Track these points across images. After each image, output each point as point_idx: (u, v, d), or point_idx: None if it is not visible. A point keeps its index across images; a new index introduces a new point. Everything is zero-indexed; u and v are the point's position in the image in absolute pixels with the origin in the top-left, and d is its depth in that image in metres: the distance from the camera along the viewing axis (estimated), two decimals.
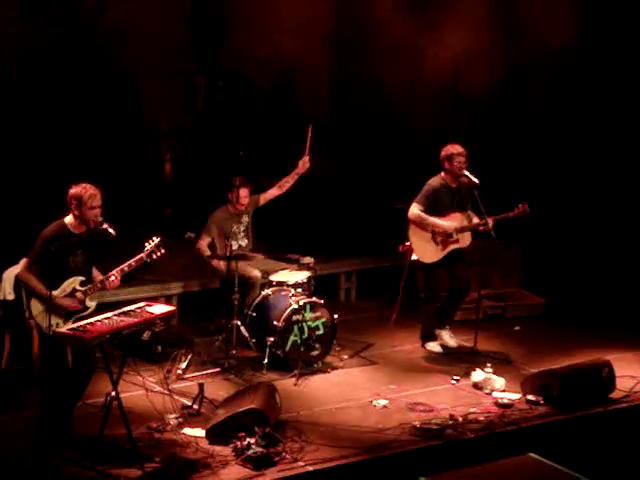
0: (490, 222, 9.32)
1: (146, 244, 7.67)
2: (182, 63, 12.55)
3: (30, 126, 10.28)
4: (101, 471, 7.02)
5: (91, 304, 7.49)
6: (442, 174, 9.51)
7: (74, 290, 7.41)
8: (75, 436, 7.39)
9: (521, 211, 9.49)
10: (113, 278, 7.48)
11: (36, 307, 7.33)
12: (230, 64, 12.57)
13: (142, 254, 7.62)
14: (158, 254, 7.67)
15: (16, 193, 9.78)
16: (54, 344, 7.20)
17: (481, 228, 9.38)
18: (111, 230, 7.40)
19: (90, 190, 7.37)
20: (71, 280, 7.40)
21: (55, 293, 7.25)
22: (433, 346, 9.72)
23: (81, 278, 7.44)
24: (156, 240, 7.69)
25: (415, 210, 9.47)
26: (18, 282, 7.51)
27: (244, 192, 9.83)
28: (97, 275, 7.59)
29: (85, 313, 7.42)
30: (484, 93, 11.56)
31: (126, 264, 7.55)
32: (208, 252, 9.81)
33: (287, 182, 10.02)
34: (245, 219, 10.00)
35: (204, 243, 9.86)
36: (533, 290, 11.33)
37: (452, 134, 9.75)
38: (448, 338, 9.74)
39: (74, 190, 7.38)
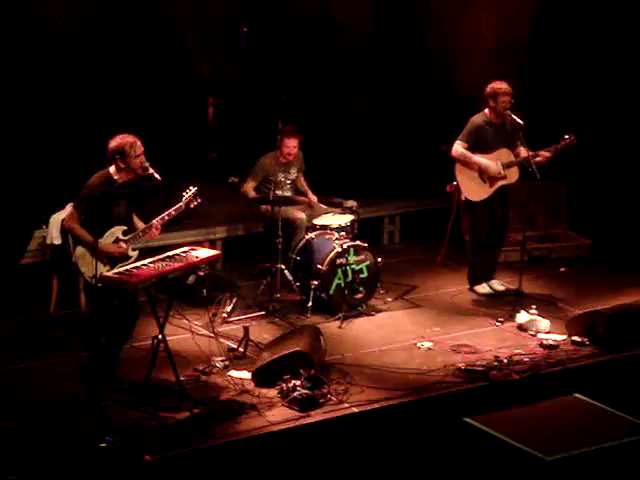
0: (546, 153, 9.18)
1: (184, 193, 7.72)
2: (224, 6, 12.46)
3: (74, 72, 10.29)
4: (149, 412, 7.13)
5: (133, 253, 7.55)
6: (486, 111, 9.40)
7: (117, 239, 7.48)
8: (122, 378, 7.50)
9: (568, 141, 9.35)
10: (154, 228, 7.54)
11: (81, 255, 7.40)
12: (270, 4, 12.47)
13: (181, 203, 7.66)
14: (195, 203, 7.73)
15: (61, 139, 9.83)
16: (99, 290, 7.28)
17: (527, 165, 9.21)
18: (157, 175, 7.45)
19: (129, 139, 7.40)
20: (114, 229, 7.46)
21: (99, 241, 7.31)
22: (480, 288, 9.68)
23: (123, 227, 7.50)
24: (193, 189, 7.73)
25: (459, 148, 9.38)
26: (64, 228, 7.58)
27: (291, 142, 9.70)
28: (138, 224, 7.65)
29: (128, 262, 7.47)
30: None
31: (166, 213, 7.61)
32: (253, 194, 9.80)
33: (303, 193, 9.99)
34: (293, 171, 9.93)
35: (249, 186, 9.83)
36: (579, 231, 11.23)
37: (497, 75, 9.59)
38: (496, 285, 9.70)
39: (114, 144, 7.42)
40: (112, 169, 7.46)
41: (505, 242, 9.88)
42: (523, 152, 9.34)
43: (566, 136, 9.33)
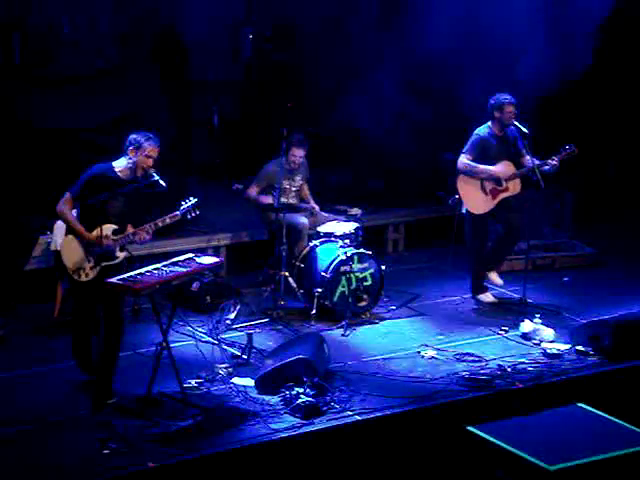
0: (553, 162, 9.16)
1: (182, 202, 7.67)
2: (230, 13, 12.48)
3: (76, 77, 10.32)
4: (152, 419, 7.12)
5: (120, 254, 7.46)
6: (489, 123, 9.43)
7: (106, 237, 7.35)
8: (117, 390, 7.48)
9: (569, 152, 9.35)
10: (145, 232, 7.46)
11: (66, 245, 7.36)
12: (278, 13, 12.48)
13: (177, 212, 7.61)
14: (193, 214, 7.67)
15: (65, 145, 9.85)
16: (81, 285, 7.28)
17: (531, 175, 9.22)
18: (162, 182, 7.42)
19: (152, 140, 7.42)
20: (105, 226, 7.35)
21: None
22: (484, 297, 9.68)
23: (114, 226, 7.42)
24: (193, 200, 7.67)
25: (464, 160, 9.41)
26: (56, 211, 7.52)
27: (297, 152, 9.70)
28: (129, 230, 7.57)
29: (113, 262, 7.40)
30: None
31: (160, 219, 7.55)
32: (256, 196, 9.76)
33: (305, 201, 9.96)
34: (298, 179, 9.92)
35: (253, 192, 9.81)
36: (583, 240, 11.22)
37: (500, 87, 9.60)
38: (496, 278, 9.69)
39: (136, 134, 7.43)
40: (116, 162, 7.44)
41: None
42: (527, 163, 9.36)
43: (567, 146, 9.35)
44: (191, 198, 7.71)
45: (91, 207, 7.28)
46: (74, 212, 7.45)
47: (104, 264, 7.37)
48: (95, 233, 7.29)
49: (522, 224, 9.61)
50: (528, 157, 9.33)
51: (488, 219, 9.54)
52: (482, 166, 9.37)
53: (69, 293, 7.66)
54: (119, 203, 7.42)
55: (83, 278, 7.34)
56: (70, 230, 7.39)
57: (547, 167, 9.26)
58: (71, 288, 7.52)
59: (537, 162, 9.22)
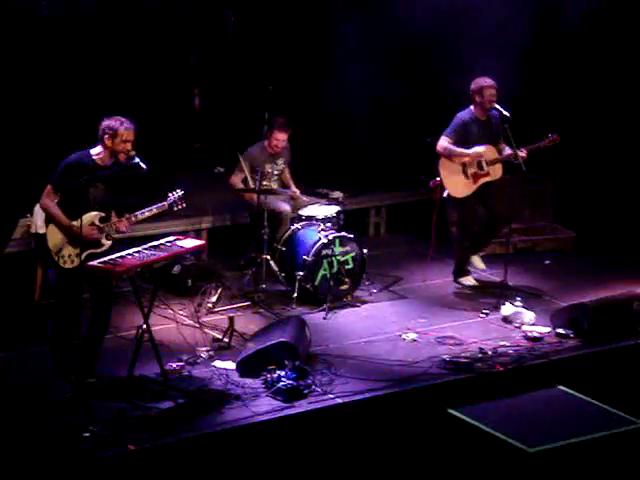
0: (521, 153, 9.22)
1: (170, 194, 7.65)
2: None
3: (61, 58, 10.26)
4: (133, 402, 7.12)
5: (106, 242, 7.41)
6: (471, 107, 9.42)
7: (92, 224, 7.33)
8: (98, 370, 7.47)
9: (551, 140, 9.39)
10: (130, 220, 7.43)
11: (53, 236, 7.32)
12: None
13: (164, 203, 7.59)
14: (179, 206, 7.67)
15: (46, 126, 9.80)
16: (67, 276, 7.25)
17: (513, 159, 9.26)
18: (143, 165, 7.38)
19: (126, 123, 7.35)
20: (91, 214, 7.31)
21: (73, 224, 7.25)
22: (465, 280, 9.69)
23: (101, 214, 7.38)
24: (179, 192, 7.67)
25: (443, 142, 9.39)
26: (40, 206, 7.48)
27: (280, 135, 9.64)
28: (114, 217, 7.54)
29: (99, 250, 7.34)
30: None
31: (147, 209, 7.51)
32: (241, 185, 9.74)
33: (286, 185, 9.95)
34: (280, 162, 9.88)
35: (237, 179, 9.76)
36: (564, 224, 11.26)
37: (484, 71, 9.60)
38: (478, 262, 9.71)
39: (109, 121, 7.34)
40: (93, 150, 7.36)
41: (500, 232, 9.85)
42: (507, 148, 9.38)
43: (550, 135, 9.37)
44: (178, 190, 7.70)
45: (72, 195, 7.22)
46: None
47: (90, 251, 7.33)
48: (85, 228, 7.20)
49: (507, 212, 9.60)
50: (504, 145, 9.37)
51: (471, 203, 9.54)
52: (460, 149, 9.36)
53: (54, 279, 7.60)
54: (99, 191, 7.35)
55: (68, 265, 7.31)
56: (55, 222, 7.31)
57: (523, 154, 9.26)
58: (56, 274, 7.46)
59: (516, 150, 9.20)
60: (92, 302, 7.39)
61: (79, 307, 7.31)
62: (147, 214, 7.54)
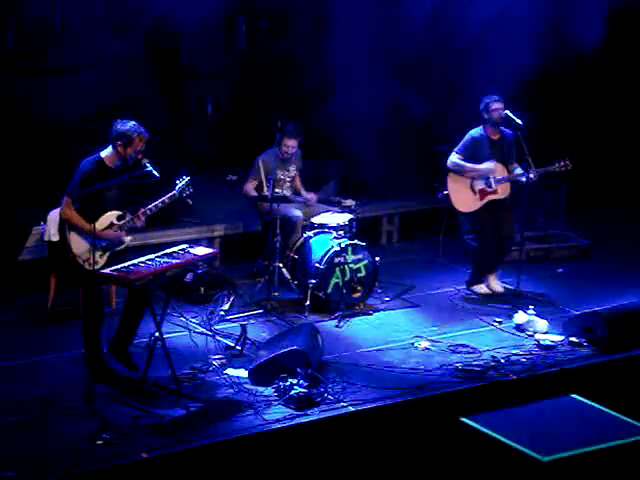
0: (532, 175, 9.25)
1: (177, 182, 7.73)
2: (224, 4, 12.44)
3: (71, 68, 10.30)
4: (146, 410, 7.12)
5: (126, 239, 7.56)
6: (483, 126, 9.49)
7: (111, 224, 7.48)
8: (121, 375, 7.51)
9: (563, 165, 9.42)
10: (147, 214, 7.54)
11: (78, 244, 7.39)
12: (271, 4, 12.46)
13: (174, 191, 7.68)
14: (188, 192, 7.73)
15: (59, 135, 9.83)
16: (95, 281, 7.31)
17: (523, 179, 9.31)
18: (155, 173, 7.42)
19: (141, 132, 7.41)
20: (109, 214, 7.46)
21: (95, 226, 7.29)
22: (478, 288, 9.67)
23: (118, 212, 7.50)
24: (186, 178, 7.75)
25: (453, 158, 9.50)
26: (62, 223, 7.57)
27: (291, 142, 9.68)
28: (129, 214, 7.62)
29: (120, 248, 7.51)
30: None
31: (159, 201, 7.60)
32: (254, 193, 9.75)
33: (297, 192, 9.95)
34: (292, 169, 9.90)
35: (251, 186, 9.76)
36: (577, 232, 11.23)
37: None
38: (495, 283, 9.70)
39: (124, 128, 7.40)
40: (104, 153, 7.45)
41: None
42: (518, 169, 9.41)
43: (562, 162, 9.38)
44: (184, 176, 7.76)
45: (89, 200, 7.30)
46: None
47: (113, 250, 7.46)
48: (108, 232, 7.42)
49: (510, 222, 9.60)
50: (516, 165, 9.39)
51: (482, 212, 9.54)
52: (470, 165, 9.42)
53: (79, 284, 7.65)
54: (113, 192, 7.47)
55: (97, 265, 7.35)
56: (80, 230, 7.39)
57: (523, 179, 9.29)
58: (81, 278, 7.49)
59: (519, 171, 9.24)
60: (127, 302, 7.55)
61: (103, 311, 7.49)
62: (160, 205, 7.61)
